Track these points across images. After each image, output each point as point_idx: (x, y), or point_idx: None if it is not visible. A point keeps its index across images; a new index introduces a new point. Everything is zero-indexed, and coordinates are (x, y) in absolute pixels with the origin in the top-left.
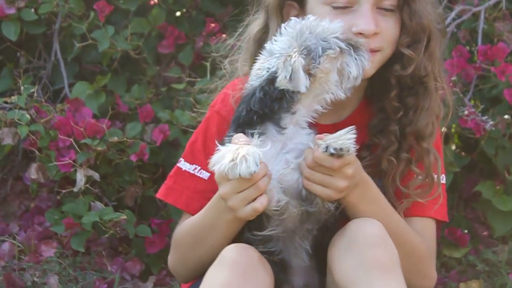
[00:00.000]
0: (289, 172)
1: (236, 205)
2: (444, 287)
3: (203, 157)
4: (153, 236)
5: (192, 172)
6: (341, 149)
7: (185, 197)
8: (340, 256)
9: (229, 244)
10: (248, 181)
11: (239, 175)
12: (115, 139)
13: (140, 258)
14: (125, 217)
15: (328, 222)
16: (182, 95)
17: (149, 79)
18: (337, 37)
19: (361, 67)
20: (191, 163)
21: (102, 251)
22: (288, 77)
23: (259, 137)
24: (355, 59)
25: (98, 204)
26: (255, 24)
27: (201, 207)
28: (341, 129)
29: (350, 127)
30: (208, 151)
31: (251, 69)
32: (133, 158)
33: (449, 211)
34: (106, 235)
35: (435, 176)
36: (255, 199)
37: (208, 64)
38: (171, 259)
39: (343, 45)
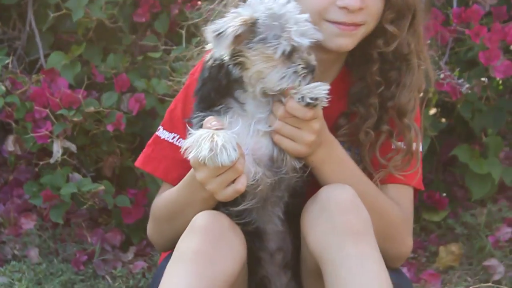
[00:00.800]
0: (259, 140)
1: (215, 189)
2: (424, 250)
3: (182, 126)
4: (130, 207)
5: (170, 140)
6: (316, 99)
7: (164, 166)
8: (313, 222)
9: None
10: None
11: (221, 164)
12: (92, 109)
13: (120, 229)
14: (103, 187)
15: (297, 186)
16: (158, 64)
17: (125, 48)
18: (298, 48)
19: (284, 85)
20: (170, 132)
21: (82, 222)
22: (217, 33)
23: (227, 113)
24: (289, 76)
25: (76, 175)
26: None
27: (180, 176)
28: None
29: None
30: None
31: None
32: (109, 128)
33: (427, 175)
34: (85, 206)
35: (414, 146)
36: (234, 180)
37: (183, 32)
38: (149, 229)
39: (293, 58)
